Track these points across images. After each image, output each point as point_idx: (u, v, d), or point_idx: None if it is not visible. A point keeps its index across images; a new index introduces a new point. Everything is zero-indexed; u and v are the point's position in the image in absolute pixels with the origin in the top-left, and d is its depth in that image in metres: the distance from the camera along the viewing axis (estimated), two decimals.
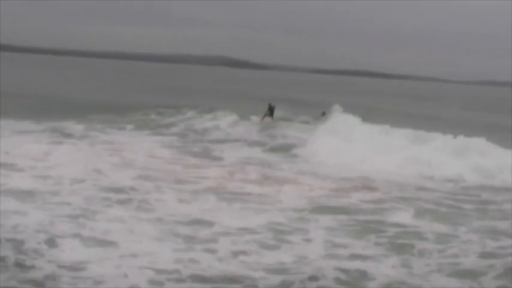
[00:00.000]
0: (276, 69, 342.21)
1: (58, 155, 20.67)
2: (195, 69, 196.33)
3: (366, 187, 18.31)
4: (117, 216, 13.59)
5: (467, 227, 14.18)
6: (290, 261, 11.28)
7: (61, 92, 47.90)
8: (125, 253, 11.14)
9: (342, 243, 12.61)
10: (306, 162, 22.50)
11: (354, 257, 11.76)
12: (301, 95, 63.79)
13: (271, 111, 30.99)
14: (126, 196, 15.53)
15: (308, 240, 12.72)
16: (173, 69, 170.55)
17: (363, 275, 10.73)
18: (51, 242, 11.41)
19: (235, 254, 11.52)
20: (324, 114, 31.54)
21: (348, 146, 23.49)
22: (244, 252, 11.63)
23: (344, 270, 10.80)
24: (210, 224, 13.47)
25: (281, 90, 72.66)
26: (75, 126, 28.49)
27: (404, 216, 14.95)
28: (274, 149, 25.14)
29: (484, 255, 12.12)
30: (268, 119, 30.64)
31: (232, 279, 10.26)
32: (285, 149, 25.21)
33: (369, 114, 30.66)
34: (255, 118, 31.35)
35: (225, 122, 30.16)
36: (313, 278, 10.40)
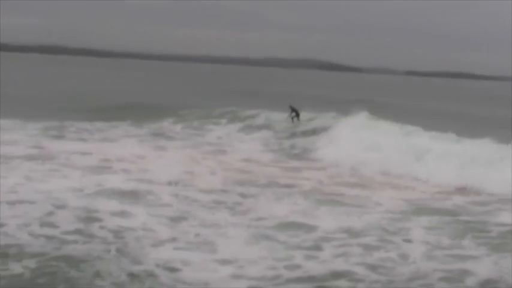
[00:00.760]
0: (369, 72, 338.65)
1: (157, 157, 21.42)
2: (286, 73, 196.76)
3: (467, 190, 18.08)
4: (214, 219, 13.91)
5: None
6: (392, 260, 11.39)
7: (156, 97, 48.88)
8: (222, 257, 11.35)
9: (444, 243, 12.62)
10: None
11: (456, 256, 11.75)
12: (394, 99, 62.63)
13: (296, 112, 30.80)
14: (222, 198, 15.92)
15: (409, 241, 12.76)
16: (263, 73, 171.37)
17: (464, 274, 10.77)
18: (150, 243, 11.81)
19: (338, 255, 11.70)
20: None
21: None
22: (346, 253, 11.80)
23: (446, 270, 10.86)
24: (309, 226, 13.62)
25: (369, 93, 71.70)
26: (173, 127, 29.77)
27: (509, 217, 14.74)
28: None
29: None
30: (295, 120, 30.52)
31: (336, 277, 10.47)
32: None
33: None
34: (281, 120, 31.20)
35: (321, 123, 29.90)
36: (415, 278, 10.49)
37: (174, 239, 12.19)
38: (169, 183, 17.27)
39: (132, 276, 9.96)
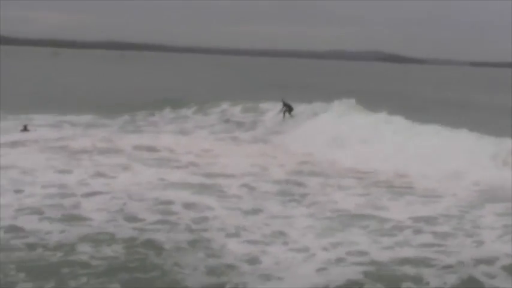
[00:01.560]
0: (432, 63, 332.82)
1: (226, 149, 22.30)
2: (351, 65, 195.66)
3: None
4: (283, 210, 14.47)
5: None
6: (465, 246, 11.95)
7: (221, 89, 49.35)
8: (294, 246, 11.81)
9: None
10: None
11: None
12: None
13: (288, 107, 30.23)
14: (289, 189, 16.46)
15: (483, 228, 13.18)
16: (329, 66, 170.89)
17: None
18: (227, 234, 12.38)
19: (412, 241, 12.24)
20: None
21: None
22: (422, 239, 12.37)
23: None
24: (380, 216, 14.08)
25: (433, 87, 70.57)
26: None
27: None
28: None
29: None
30: (287, 115, 30.01)
31: (412, 262, 10.89)
32: None
33: None
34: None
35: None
36: (487, 261, 10.86)
37: (247, 230, 12.68)
38: (241, 175, 17.93)
39: (210, 267, 10.46)
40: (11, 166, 17.65)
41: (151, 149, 21.97)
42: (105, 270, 10.12)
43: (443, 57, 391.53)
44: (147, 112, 33.39)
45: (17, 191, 14.94)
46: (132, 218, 13.10)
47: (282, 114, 29.86)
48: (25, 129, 25.11)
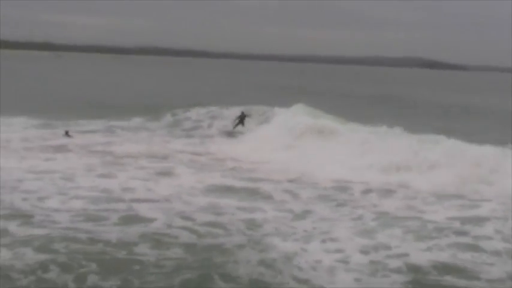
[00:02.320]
0: (475, 70, 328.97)
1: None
2: (389, 72, 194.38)
3: None
4: (328, 213, 14.93)
5: None
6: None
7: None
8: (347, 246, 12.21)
9: None
10: None
11: None
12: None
13: (242, 119, 30.25)
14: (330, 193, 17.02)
15: None
16: (368, 72, 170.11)
17: None
18: (278, 235, 12.83)
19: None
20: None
21: None
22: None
23: None
24: (425, 218, 14.49)
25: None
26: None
27: None
28: None
29: None
30: (239, 126, 30.03)
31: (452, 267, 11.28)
32: None
33: None
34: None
35: None
36: None
37: (295, 233, 13.10)
38: (287, 180, 18.40)
39: (265, 265, 10.91)
40: (54, 171, 18.22)
41: (196, 153, 22.62)
42: (169, 268, 10.66)
43: (486, 63, 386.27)
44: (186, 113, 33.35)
45: (62, 194, 15.50)
46: (186, 220, 13.65)
47: (233, 127, 29.97)
48: (67, 134, 25.60)
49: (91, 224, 13.12)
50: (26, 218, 13.25)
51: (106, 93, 50.71)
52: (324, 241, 12.43)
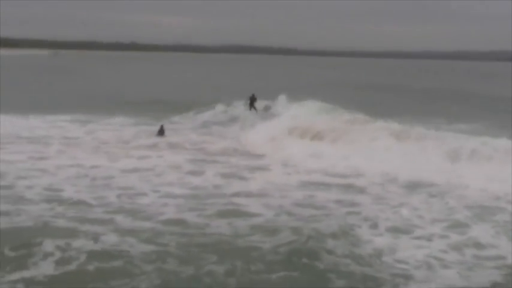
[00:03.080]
0: None
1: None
2: (475, 66, 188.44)
3: None
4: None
5: None
6: None
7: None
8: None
9: None
10: None
11: None
12: None
13: (252, 101, 31.16)
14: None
15: None
16: (451, 67, 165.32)
17: None
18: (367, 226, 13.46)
19: None
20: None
21: None
22: None
23: None
24: None
25: None
26: None
27: None
28: None
29: None
30: (252, 109, 30.89)
31: None
32: None
33: None
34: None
35: None
36: None
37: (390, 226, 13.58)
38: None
39: (354, 256, 11.39)
40: (146, 169, 19.00)
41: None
42: (282, 255, 11.23)
43: None
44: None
45: (155, 191, 16.23)
46: (288, 213, 14.35)
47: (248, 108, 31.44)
48: (161, 130, 26.02)
49: (194, 216, 13.77)
50: (132, 212, 13.97)
51: (196, 90, 51.22)
52: None
